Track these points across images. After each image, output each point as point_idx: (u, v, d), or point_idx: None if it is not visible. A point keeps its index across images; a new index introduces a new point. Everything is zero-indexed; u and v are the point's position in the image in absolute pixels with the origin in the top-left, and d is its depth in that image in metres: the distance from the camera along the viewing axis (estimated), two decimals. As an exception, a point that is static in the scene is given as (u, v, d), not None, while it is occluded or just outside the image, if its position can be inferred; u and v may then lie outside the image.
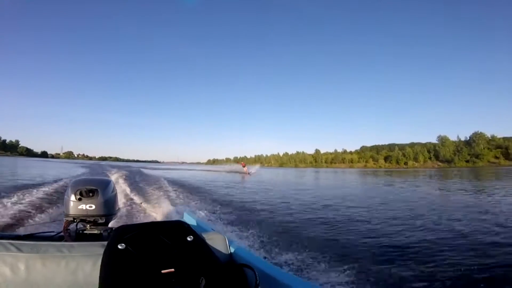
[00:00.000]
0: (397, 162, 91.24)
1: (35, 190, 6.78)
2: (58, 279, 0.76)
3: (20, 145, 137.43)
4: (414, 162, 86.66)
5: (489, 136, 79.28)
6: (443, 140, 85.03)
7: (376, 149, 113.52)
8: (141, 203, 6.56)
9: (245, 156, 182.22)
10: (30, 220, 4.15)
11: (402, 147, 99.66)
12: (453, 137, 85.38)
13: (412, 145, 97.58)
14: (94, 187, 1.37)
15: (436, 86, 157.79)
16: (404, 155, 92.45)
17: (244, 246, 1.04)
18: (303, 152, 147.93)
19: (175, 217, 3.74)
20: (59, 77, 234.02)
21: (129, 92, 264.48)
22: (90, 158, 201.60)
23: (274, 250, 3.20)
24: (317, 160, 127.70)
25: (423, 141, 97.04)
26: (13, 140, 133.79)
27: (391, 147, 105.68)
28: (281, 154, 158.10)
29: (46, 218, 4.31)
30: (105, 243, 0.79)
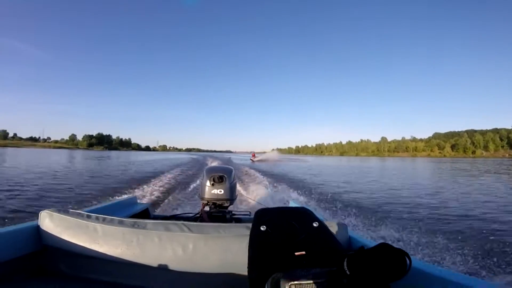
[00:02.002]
0: (464, 151, 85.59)
1: (164, 176, 8.08)
2: (213, 258, 0.83)
3: (132, 142, 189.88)
4: (483, 151, 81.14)
5: None
6: (521, 125, 74.73)
7: (451, 135, 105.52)
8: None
9: (305, 145, 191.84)
10: (166, 201, 4.74)
11: (472, 133, 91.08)
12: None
13: (495, 131, 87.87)
14: (223, 174, 1.55)
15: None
16: (473, 143, 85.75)
17: (362, 234, 1.11)
18: (367, 140, 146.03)
19: (279, 204, 4.10)
20: (148, 82, 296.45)
21: (204, 90, 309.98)
22: (179, 150, 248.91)
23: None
24: (379, 149, 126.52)
25: (510, 127, 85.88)
26: (127, 138, 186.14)
27: (468, 133, 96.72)
28: (344, 142, 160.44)
29: (180, 200, 4.82)
30: (249, 224, 0.83)
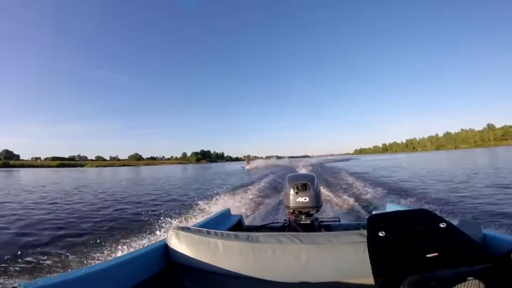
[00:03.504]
0: None
1: (250, 187, 8.14)
2: (328, 268, 0.82)
3: (225, 155, 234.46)
4: None
5: None
6: None
7: None
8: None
9: (394, 142, 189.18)
10: (256, 212, 4.70)
11: None
12: None
13: None
14: (306, 181, 1.56)
15: None
16: None
17: (497, 232, 0.94)
18: (468, 130, 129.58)
19: (378, 208, 3.88)
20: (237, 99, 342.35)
21: (282, 100, 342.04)
22: (260, 158, 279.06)
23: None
24: (483, 138, 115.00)
25: None
26: (221, 152, 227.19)
27: None
28: (440, 134, 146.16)
29: (265, 210, 4.80)
30: (362, 231, 0.83)
